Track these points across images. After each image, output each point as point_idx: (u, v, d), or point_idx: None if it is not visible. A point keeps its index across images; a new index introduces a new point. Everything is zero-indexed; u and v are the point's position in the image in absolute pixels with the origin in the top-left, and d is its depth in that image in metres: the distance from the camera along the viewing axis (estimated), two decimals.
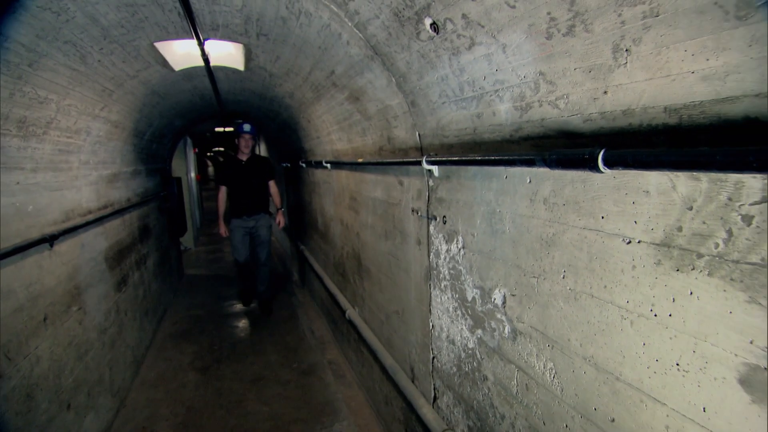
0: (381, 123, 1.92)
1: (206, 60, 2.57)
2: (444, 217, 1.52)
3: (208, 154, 13.72)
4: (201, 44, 2.23)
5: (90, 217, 2.59)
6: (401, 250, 1.96)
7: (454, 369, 1.56)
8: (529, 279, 1.11)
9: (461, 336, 1.49)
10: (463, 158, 1.25)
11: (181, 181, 5.69)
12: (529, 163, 0.95)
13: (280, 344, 3.66)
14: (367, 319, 2.62)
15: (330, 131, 2.83)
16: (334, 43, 1.69)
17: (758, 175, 0.60)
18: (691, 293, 0.72)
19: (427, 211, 1.64)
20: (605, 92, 0.80)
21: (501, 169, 1.17)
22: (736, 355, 0.66)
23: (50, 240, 2.03)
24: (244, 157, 4.20)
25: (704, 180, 0.68)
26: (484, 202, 1.27)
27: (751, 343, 0.64)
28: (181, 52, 2.46)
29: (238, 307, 4.61)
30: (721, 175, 0.65)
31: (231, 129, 7.43)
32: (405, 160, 1.69)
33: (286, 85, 2.80)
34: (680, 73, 0.66)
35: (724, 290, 0.67)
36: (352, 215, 2.77)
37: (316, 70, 2.15)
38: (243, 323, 4.21)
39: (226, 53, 2.54)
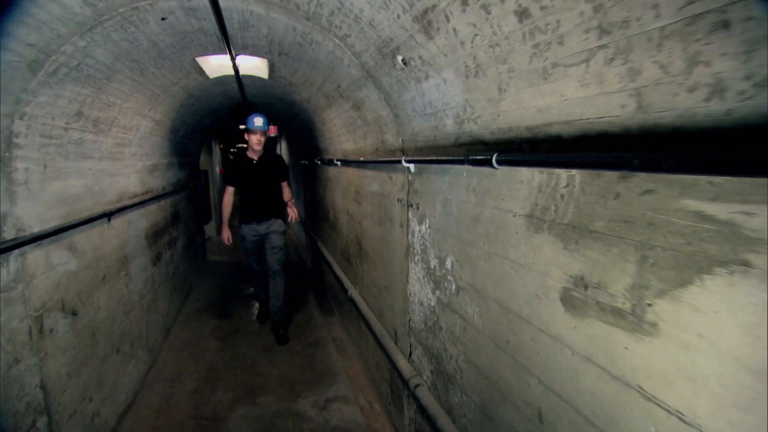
0: (376, 128, 2.37)
1: (236, 70, 3.09)
2: (418, 204, 1.96)
3: (231, 150, 14.48)
4: (233, 58, 2.74)
5: (135, 200, 3.14)
6: (390, 234, 2.41)
7: (422, 326, 2.00)
8: (466, 247, 1.54)
9: (426, 298, 1.92)
10: (426, 158, 1.69)
11: (207, 174, 6.29)
12: (461, 162, 1.39)
13: (290, 322, 4.15)
14: (365, 295, 3.08)
15: (340, 133, 3.30)
16: (339, 65, 2.15)
17: (564, 170, 1.03)
18: (541, 247, 1.14)
19: (407, 199, 2.09)
20: (498, 115, 1.23)
21: (450, 166, 1.60)
22: (559, 283, 1.08)
23: (108, 215, 2.57)
24: (255, 156, 3.77)
25: (545, 173, 1.10)
26: (441, 191, 1.71)
27: (564, 274, 1.06)
28: (216, 64, 2.98)
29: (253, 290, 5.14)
30: (552, 170, 1.08)
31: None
32: (392, 159, 2.13)
33: (303, 93, 3.29)
34: (528, 106, 1.09)
35: (554, 243, 1.09)
36: (356, 206, 3.23)
37: (326, 83, 2.62)
38: (258, 305, 4.73)
39: (253, 65, 3.04)
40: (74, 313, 2.12)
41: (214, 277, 5.66)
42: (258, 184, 3.78)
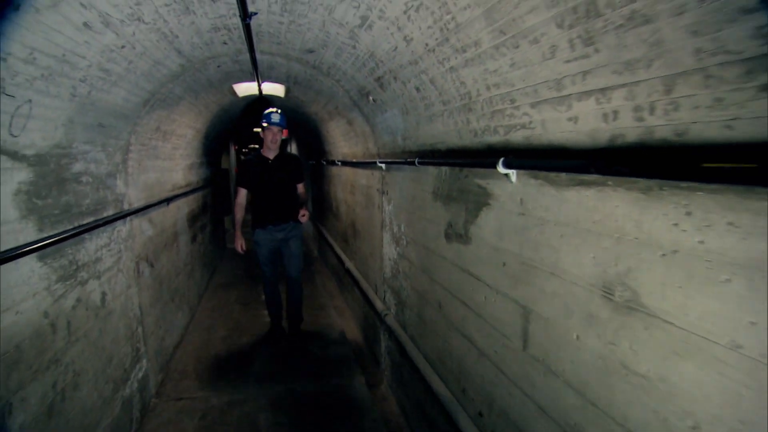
0: (363, 139, 3.37)
1: (260, 91, 4.12)
2: (387, 191, 2.96)
3: (244, 150, 15.65)
4: (259, 84, 3.76)
5: (180, 191, 4.18)
6: (372, 214, 3.41)
7: (390, 274, 2.99)
8: (409, 215, 2.53)
9: (392, 254, 2.91)
10: (390, 161, 2.68)
11: (227, 172, 7.37)
12: (405, 163, 2.38)
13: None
14: (357, 265, 4.08)
15: (339, 140, 4.32)
16: (336, 94, 3.16)
17: (443, 167, 2.01)
18: (437, 209, 2.12)
19: (382, 188, 3.08)
20: (419, 137, 2.22)
21: (400, 165, 2.59)
22: (443, 227, 2.06)
23: (167, 200, 3.61)
24: (270, 155, 3.62)
25: (437, 168, 2.08)
26: (398, 181, 2.70)
27: (444, 221, 2.04)
28: (245, 86, 4.01)
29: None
30: (440, 167, 2.06)
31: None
32: (372, 161, 3.13)
33: (312, 108, 4.31)
34: (429, 134, 2.08)
35: (442, 205, 2.07)
36: (351, 197, 4.24)
37: (329, 104, 3.63)
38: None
39: (273, 88, 4.07)
40: (152, 265, 3.15)
41: (233, 261, 6.71)
42: (274, 185, 3.60)
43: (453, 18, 1.34)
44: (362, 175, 3.69)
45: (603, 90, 0.99)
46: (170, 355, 3.55)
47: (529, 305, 1.39)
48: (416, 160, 2.16)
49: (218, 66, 2.91)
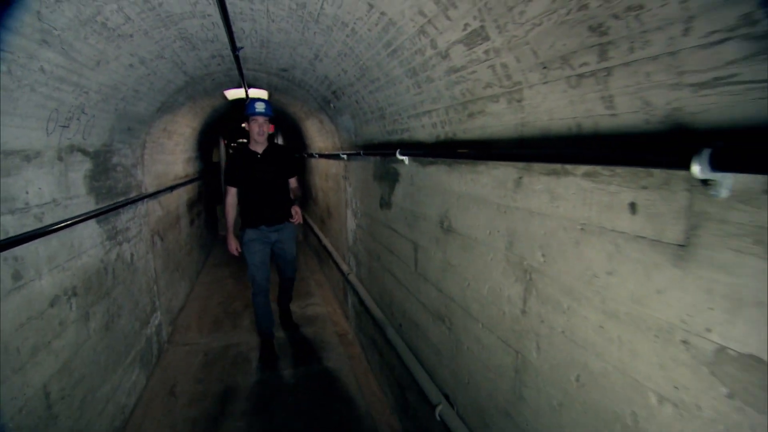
0: (331, 135, 4.25)
1: (247, 95, 4.96)
2: (348, 177, 3.84)
3: (232, 144, 16.41)
4: (246, 90, 4.61)
5: (181, 181, 5.03)
6: (340, 197, 4.29)
7: (351, 242, 3.88)
8: (361, 193, 3.42)
9: (353, 225, 3.81)
10: (349, 152, 3.56)
11: (218, 164, 8.20)
12: (355, 155, 3.27)
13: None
14: (331, 241, 4.98)
15: (315, 135, 5.20)
16: (308, 99, 4.02)
17: (378, 157, 2.90)
18: (377, 188, 3.01)
19: (345, 175, 3.97)
20: (363, 134, 3.10)
21: (354, 156, 3.47)
22: (379, 198, 2.96)
23: (172, 188, 4.46)
24: (259, 149, 3.45)
25: (377, 157, 2.97)
26: (354, 169, 3.58)
27: (381, 196, 2.93)
28: (234, 92, 4.85)
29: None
30: (381, 157, 2.94)
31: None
32: (338, 153, 4.01)
33: (292, 108, 5.17)
34: (368, 132, 2.96)
35: (377, 185, 2.96)
36: (326, 184, 5.12)
37: (304, 106, 4.50)
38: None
39: (258, 92, 4.92)
40: (162, 239, 4.02)
41: (225, 245, 7.56)
42: (265, 181, 3.41)
43: (364, 63, 2.22)
44: (332, 165, 4.58)
45: (429, 112, 1.88)
46: (176, 315, 4.42)
47: (416, 241, 2.28)
48: (361, 152, 3.05)
49: (213, 79, 3.76)
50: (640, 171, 0.92)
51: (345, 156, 3.81)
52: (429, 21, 1.42)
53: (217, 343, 3.93)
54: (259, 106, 3.31)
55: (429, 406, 2.05)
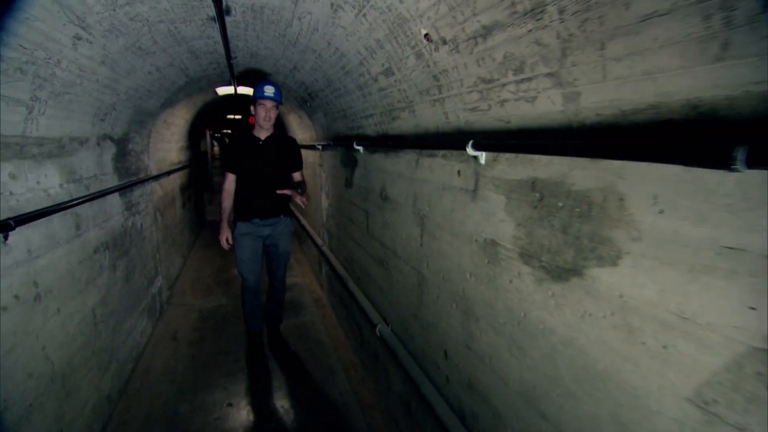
0: (309, 128, 5.05)
1: (236, 91, 5.72)
2: (323, 164, 4.65)
3: (216, 135, 17.00)
4: (235, 87, 5.36)
5: (175, 167, 5.76)
6: (316, 182, 5.10)
7: (325, 219, 4.70)
8: (332, 177, 4.23)
9: (326, 205, 4.62)
10: (323, 143, 4.37)
11: (207, 154, 8.90)
12: (327, 145, 4.07)
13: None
14: (310, 222, 5.79)
15: (297, 128, 5.98)
16: (289, 98, 4.80)
17: (349, 148, 3.71)
18: (342, 174, 3.82)
19: (320, 162, 4.78)
20: (334, 128, 3.90)
21: (328, 147, 4.27)
22: (345, 179, 3.78)
23: (169, 172, 5.20)
24: (262, 135, 3.28)
25: (343, 147, 3.78)
26: (327, 157, 4.39)
27: (346, 179, 3.75)
28: (225, 89, 5.60)
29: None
30: (345, 148, 3.76)
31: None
32: (314, 144, 4.80)
33: None
34: (339, 128, 3.77)
35: (344, 170, 3.77)
36: (305, 171, 5.91)
37: (287, 102, 5.28)
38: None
39: (246, 90, 5.67)
40: (162, 215, 4.77)
41: (212, 230, 8.30)
42: (264, 170, 3.26)
43: (329, 77, 3.02)
44: (311, 155, 5.37)
45: (372, 115, 2.71)
46: (173, 282, 5.18)
47: (367, 209, 3.11)
48: (332, 143, 3.86)
49: (208, 79, 4.51)
50: (460, 154, 1.75)
51: (320, 147, 4.61)
52: (364, 58, 2.23)
53: (210, 304, 4.72)
54: (268, 90, 3.09)
55: (372, 327, 2.89)
